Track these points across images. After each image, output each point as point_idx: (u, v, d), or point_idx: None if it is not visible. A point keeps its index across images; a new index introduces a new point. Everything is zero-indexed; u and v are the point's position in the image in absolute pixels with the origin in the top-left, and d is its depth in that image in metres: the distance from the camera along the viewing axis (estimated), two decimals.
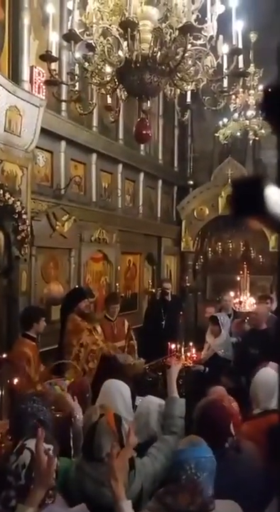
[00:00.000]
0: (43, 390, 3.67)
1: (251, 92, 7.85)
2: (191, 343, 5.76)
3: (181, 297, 9.65)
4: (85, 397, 3.27)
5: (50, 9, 3.35)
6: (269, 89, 0.39)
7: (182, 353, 5.54)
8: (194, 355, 5.53)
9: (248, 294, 7.66)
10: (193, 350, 5.60)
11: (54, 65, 3.35)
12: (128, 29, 2.83)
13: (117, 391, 2.64)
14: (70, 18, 3.06)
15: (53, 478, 1.73)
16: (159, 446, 2.34)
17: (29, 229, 5.18)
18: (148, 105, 3.43)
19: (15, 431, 2.02)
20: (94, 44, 3.09)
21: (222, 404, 2.44)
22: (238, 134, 8.20)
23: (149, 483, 2.15)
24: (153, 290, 8.97)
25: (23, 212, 4.99)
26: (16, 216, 4.94)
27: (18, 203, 4.94)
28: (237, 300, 7.35)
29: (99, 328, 5.42)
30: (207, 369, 5.17)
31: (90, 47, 3.16)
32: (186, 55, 2.96)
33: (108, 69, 3.24)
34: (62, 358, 4.61)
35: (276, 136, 0.43)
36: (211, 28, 3.09)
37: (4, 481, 1.69)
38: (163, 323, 7.04)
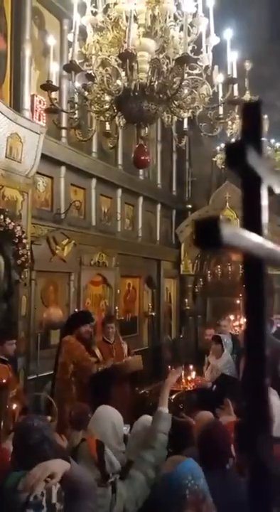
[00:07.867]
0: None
1: None
2: (191, 366, 5.72)
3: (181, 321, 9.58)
4: (87, 420, 3.23)
5: (51, 41, 3.47)
6: (230, 145, 0.48)
7: (183, 376, 5.49)
8: (197, 379, 5.48)
9: None
10: (193, 374, 5.56)
11: (54, 94, 3.45)
12: (127, 60, 2.92)
13: (108, 418, 2.51)
14: (71, 49, 3.16)
15: None
16: (136, 466, 2.29)
17: (29, 253, 5.22)
18: (146, 131, 3.51)
19: (19, 447, 1.96)
20: (93, 74, 3.19)
21: (223, 426, 2.42)
22: None
23: (132, 505, 2.13)
24: (153, 313, 8.94)
25: (23, 236, 5.04)
26: (16, 241, 4.99)
27: (19, 228, 4.99)
28: (236, 323, 7.33)
29: (97, 351, 5.39)
30: (214, 386, 5.11)
31: (90, 77, 3.26)
32: (183, 84, 3.06)
33: (107, 97, 3.34)
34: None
35: (241, 183, 0.53)
36: (206, 58, 3.20)
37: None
38: None
